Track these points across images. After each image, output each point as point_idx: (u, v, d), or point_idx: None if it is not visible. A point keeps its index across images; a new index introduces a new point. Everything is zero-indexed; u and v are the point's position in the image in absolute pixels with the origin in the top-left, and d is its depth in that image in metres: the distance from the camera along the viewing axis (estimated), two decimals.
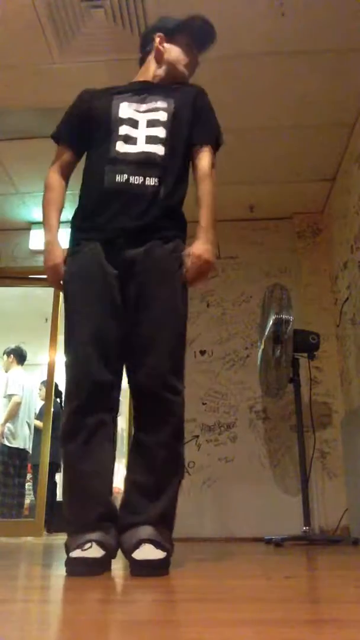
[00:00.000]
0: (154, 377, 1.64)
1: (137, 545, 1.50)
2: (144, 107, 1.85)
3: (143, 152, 1.77)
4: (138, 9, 2.76)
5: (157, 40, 1.97)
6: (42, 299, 4.72)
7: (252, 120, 3.53)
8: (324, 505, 3.75)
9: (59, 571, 1.78)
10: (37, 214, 4.56)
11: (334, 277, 4.14)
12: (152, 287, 1.70)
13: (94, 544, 1.49)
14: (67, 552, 1.55)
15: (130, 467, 1.71)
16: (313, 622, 0.85)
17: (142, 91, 1.90)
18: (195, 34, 1.99)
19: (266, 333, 3.63)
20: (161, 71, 1.97)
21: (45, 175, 2.00)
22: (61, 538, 4.59)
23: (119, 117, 1.82)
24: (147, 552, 1.48)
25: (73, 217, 1.85)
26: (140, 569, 1.46)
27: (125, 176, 1.75)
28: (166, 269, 1.73)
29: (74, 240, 1.79)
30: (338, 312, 4.03)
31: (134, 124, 1.82)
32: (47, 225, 1.86)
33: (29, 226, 4.68)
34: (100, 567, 1.49)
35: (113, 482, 1.66)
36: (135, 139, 1.79)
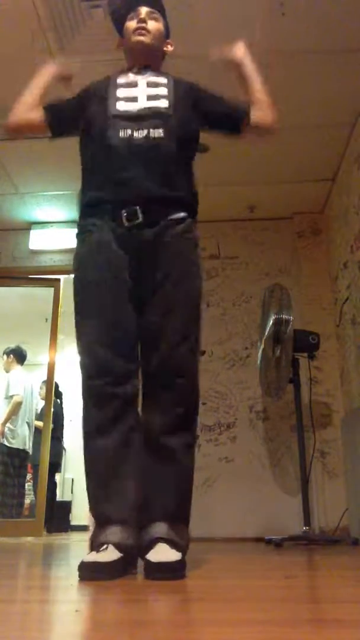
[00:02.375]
0: (167, 362, 1.60)
1: (151, 545, 1.47)
2: (142, 77, 1.82)
3: (145, 108, 1.72)
4: None
5: (116, 41, 2.00)
6: (42, 299, 4.72)
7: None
8: (324, 505, 3.75)
9: (59, 571, 1.78)
10: (37, 214, 4.56)
11: (334, 277, 4.14)
12: (166, 270, 1.64)
13: (110, 546, 1.45)
14: (90, 548, 1.52)
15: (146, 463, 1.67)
16: (313, 622, 0.85)
17: (148, 73, 1.87)
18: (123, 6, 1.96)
19: (266, 333, 3.63)
20: (128, 57, 1.95)
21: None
22: (61, 538, 4.60)
23: (117, 82, 1.80)
24: (162, 554, 1.43)
25: (79, 203, 1.81)
26: (154, 572, 1.39)
27: (129, 131, 1.68)
28: (179, 252, 1.67)
29: (82, 227, 1.75)
30: (338, 312, 4.03)
31: (132, 83, 1.79)
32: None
33: (29, 226, 4.68)
34: (115, 570, 1.42)
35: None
36: (136, 97, 1.75)
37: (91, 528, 1.61)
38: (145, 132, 1.68)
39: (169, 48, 2.00)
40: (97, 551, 1.45)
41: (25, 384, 5.43)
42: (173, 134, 1.71)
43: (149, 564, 1.42)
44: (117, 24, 1.97)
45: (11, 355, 5.53)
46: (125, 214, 1.65)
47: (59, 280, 4.58)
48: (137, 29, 1.86)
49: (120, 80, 1.82)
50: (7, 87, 3.27)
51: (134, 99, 1.75)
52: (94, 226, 1.70)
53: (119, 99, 1.75)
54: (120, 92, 1.77)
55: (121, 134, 1.68)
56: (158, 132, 1.68)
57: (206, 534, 3.72)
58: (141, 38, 1.86)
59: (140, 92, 1.76)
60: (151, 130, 1.68)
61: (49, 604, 1.09)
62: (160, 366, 1.61)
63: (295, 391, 3.54)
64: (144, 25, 1.86)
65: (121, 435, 1.58)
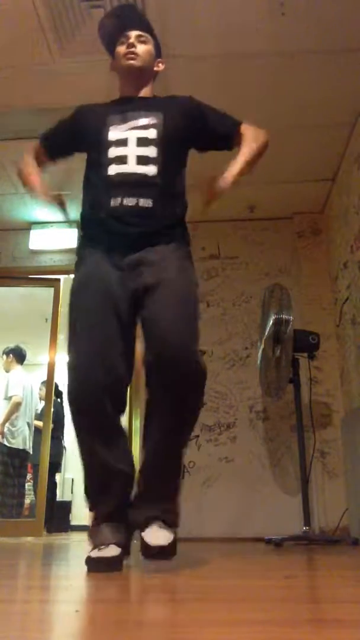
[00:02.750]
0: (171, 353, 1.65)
1: (147, 523, 1.62)
2: (130, 124, 1.88)
3: (134, 173, 1.82)
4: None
5: (110, 63, 2.08)
6: (42, 299, 4.72)
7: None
8: (324, 505, 3.75)
9: (59, 571, 1.79)
10: (37, 214, 4.56)
11: (334, 277, 4.14)
12: (160, 274, 1.75)
13: (111, 545, 1.59)
14: (89, 543, 1.67)
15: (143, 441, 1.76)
16: (313, 622, 0.85)
17: (139, 107, 1.94)
18: (114, 28, 2.03)
19: (266, 333, 3.63)
20: (120, 79, 2.04)
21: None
22: (61, 538, 4.60)
23: (109, 139, 1.86)
24: (157, 535, 1.58)
25: (79, 228, 1.97)
26: (151, 554, 1.57)
27: (119, 200, 1.79)
28: (171, 257, 1.82)
29: (79, 252, 1.88)
30: (338, 312, 4.03)
31: (123, 141, 1.85)
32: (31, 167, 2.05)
33: (29, 226, 4.68)
34: (118, 563, 1.59)
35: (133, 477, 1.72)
36: (126, 157, 1.83)
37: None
38: (134, 200, 1.79)
39: (160, 67, 2.08)
40: (99, 549, 1.59)
41: (24, 384, 5.43)
42: (162, 195, 1.84)
43: (145, 545, 1.58)
44: (109, 47, 2.04)
45: (11, 355, 5.53)
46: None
47: (59, 280, 4.58)
48: (126, 53, 1.95)
49: (113, 129, 1.87)
50: (7, 88, 3.28)
51: (124, 161, 1.82)
52: (90, 249, 1.84)
53: (110, 161, 1.83)
54: (112, 152, 1.84)
55: (112, 202, 1.79)
56: (147, 202, 1.79)
57: (206, 533, 3.72)
58: (131, 62, 1.95)
59: (130, 153, 1.83)
60: (140, 200, 1.79)
61: (49, 604, 1.09)
62: (165, 362, 1.65)
63: (295, 391, 3.54)
64: (133, 50, 1.95)
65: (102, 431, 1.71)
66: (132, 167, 1.83)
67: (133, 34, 1.96)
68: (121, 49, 1.96)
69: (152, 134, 1.87)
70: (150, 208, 1.79)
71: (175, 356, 1.62)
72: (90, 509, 1.73)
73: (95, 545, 1.62)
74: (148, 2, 2.73)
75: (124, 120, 1.89)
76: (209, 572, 1.63)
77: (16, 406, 5.26)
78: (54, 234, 4.60)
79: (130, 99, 1.98)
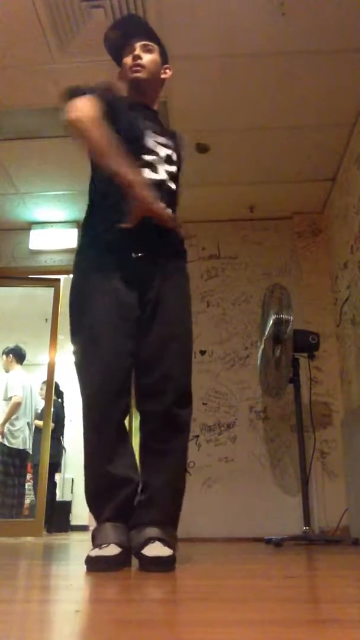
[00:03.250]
0: (167, 386, 1.79)
1: (146, 543, 1.58)
2: (161, 140, 1.92)
3: (165, 184, 1.86)
4: (138, 9, 2.75)
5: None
6: (42, 299, 4.72)
7: (252, 120, 3.53)
8: (324, 505, 3.75)
9: (59, 571, 1.79)
10: (37, 214, 4.56)
11: (334, 277, 4.14)
12: (168, 299, 1.82)
13: (112, 544, 1.58)
14: (92, 543, 1.65)
15: (142, 468, 1.77)
16: (313, 622, 0.85)
17: (155, 121, 1.97)
18: (119, 41, 2.02)
19: (266, 333, 3.63)
20: (128, 90, 2.02)
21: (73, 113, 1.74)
22: (61, 538, 4.60)
23: (145, 144, 1.86)
24: (156, 550, 1.56)
25: (90, 222, 1.86)
26: (149, 565, 1.53)
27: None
28: (179, 284, 1.89)
29: (94, 245, 1.81)
30: (338, 312, 4.03)
31: (154, 152, 1.87)
32: (112, 150, 1.70)
33: (29, 226, 4.68)
34: (118, 563, 1.57)
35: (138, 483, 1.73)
36: (157, 168, 1.85)
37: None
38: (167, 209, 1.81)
39: (167, 73, 2.07)
40: (100, 548, 1.59)
41: (24, 384, 5.43)
42: (175, 212, 1.90)
43: (143, 558, 1.55)
44: (116, 58, 2.04)
45: (10, 355, 5.53)
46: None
47: (59, 280, 4.58)
48: (132, 66, 1.95)
49: (147, 133, 1.88)
50: (7, 88, 3.28)
51: (155, 170, 1.85)
52: (107, 252, 1.80)
53: (145, 164, 1.83)
54: (146, 157, 1.84)
55: None
56: (173, 215, 1.86)
57: (206, 533, 3.72)
58: (137, 75, 1.95)
59: (160, 164, 1.86)
60: (168, 210, 1.82)
61: (49, 604, 1.09)
62: (161, 388, 1.78)
63: (295, 391, 3.54)
64: (139, 62, 1.95)
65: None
66: (162, 176, 1.86)
67: (138, 44, 1.97)
68: (127, 60, 1.96)
69: (174, 155, 1.93)
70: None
71: (178, 393, 1.82)
72: (95, 513, 1.72)
73: (96, 545, 1.61)
74: (148, 3, 2.73)
75: (153, 130, 1.92)
76: (209, 572, 1.63)
77: (16, 406, 5.26)
78: (54, 234, 4.60)
79: (147, 109, 1.99)
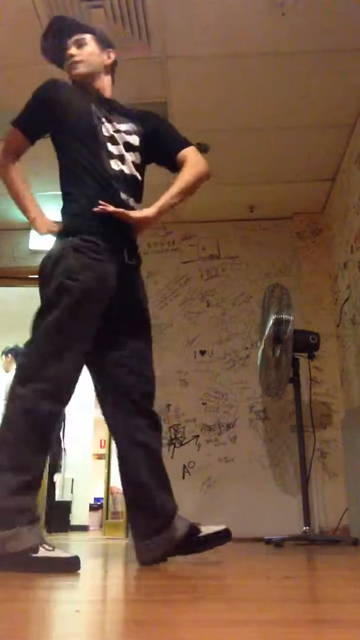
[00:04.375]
0: (144, 385, 1.84)
1: (195, 529, 1.77)
2: (122, 127, 1.92)
3: (132, 175, 1.89)
4: (138, 9, 2.75)
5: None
6: None
7: (252, 120, 3.52)
8: (324, 505, 3.75)
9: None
10: None
11: (334, 277, 4.14)
12: (137, 300, 1.89)
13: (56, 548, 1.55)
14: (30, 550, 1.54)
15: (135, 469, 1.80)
16: (313, 622, 0.85)
17: (111, 110, 1.96)
18: (52, 42, 2.03)
19: (266, 333, 3.63)
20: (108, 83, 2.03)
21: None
22: (61, 538, 4.59)
23: (104, 134, 1.87)
24: (208, 528, 1.78)
25: (74, 213, 1.85)
26: (220, 539, 1.79)
27: (125, 196, 1.85)
28: (142, 284, 1.94)
29: (86, 239, 1.77)
30: (338, 312, 4.03)
31: (114, 141, 1.88)
32: (27, 201, 2.02)
33: (29, 226, 4.63)
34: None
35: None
36: (123, 157, 1.87)
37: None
38: (132, 201, 1.88)
39: (112, 57, 2.04)
40: (51, 549, 1.53)
41: None
42: (138, 197, 1.92)
43: (206, 538, 1.77)
44: (60, 65, 2.04)
45: (9, 355, 5.54)
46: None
47: None
48: (69, 65, 1.98)
49: (103, 123, 1.89)
50: (7, 88, 3.27)
51: (122, 160, 1.88)
52: (96, 247, 1.79)
53: (111, 155, 1.85)
54: (110, 147, 1.86)
55: (122, 196, 1.84)
56: (137, 206, 1.88)
57: None
58: (76, 72, 1.98)
59: (124, 153, 1.89)
60: (131, 201, 1.87)
61: (49, 604, 1.09)
62: (139, 388, 1.83)
63: (295, 391, 3.54)
64: (74, 59, 1.97)
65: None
66: (128, 167, 1.88)
67: (70, 42, 1.98)
68: (66, 62, 1.98)
69: (135, 140, 1.93)
70: (132, 207, 1.86)
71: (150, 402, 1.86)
72: None
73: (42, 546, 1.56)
74: (148, 3, 2.73)
75: (108, 119, 1.91)
76: (209, 572, 1.63)
77: None
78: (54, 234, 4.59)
79: (100, 99, 1.97)
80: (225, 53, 3.02)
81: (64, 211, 1.90)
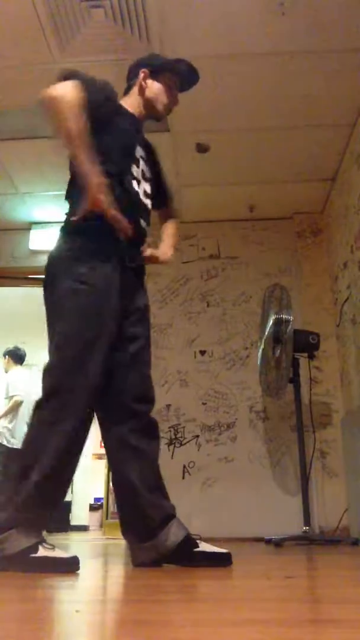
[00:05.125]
0: (140, 388, 1.84)
1: (191, 540, 1.75)
2: (143, 154, 1.99)
3: (145, 201, 1.95)
4: (138, 9, 2.75)
5: (142, 75, 2.02)
6: (42, 299, 4.70)
7: (252, 120, 3.52)
8: (324, 505, 3.75)
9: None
10: (37, 214, 4.56)
11: (334, 277, 4.14)
12: (142, 306, 1.91)
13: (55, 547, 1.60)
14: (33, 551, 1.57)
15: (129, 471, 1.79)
16: (313, 622, 0.85)
17: (142, 135, 2.04)
18: (180, 76, 2.05)
19: (266, 333, 3.63)
20: (142, 107, 2.03)
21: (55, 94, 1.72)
22: (61, 538, 4.59)
23: (136, 155, 1.94)
24: (208, 547, 1.75)
25: (86, 226, 1.77)
26: (218, 561, 1.71)
27: (140, 220, 1.89)
28: (143, 285, 1.97)
29: (94, 248, 1.78)
30: (338, 312, 4.03)
31: (138, 164, 1.95)
32: (82, 140, 1.66)
33: (29, 226, 4.68)
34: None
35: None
36: (140, 181, 1.94)
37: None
38: (145, 224, 1.94)
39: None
40: (52, 549, 1.58)
41: (25, 383, 5.42)
42: (148, 221, 1.97)
43: (203, 554, 1.72)
44: (161, 70, 2.03)
45: (7, 357, 5.54)
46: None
47: None
48: (170, 106, 2.05)
49: (138, 146, 1.97)
50: (7, 88, 3.27)
51: (139, 183, 1.93)
52: (105, 257, 1.81)
53: (134, 177, 1.91)
54: (134, 170, 1.92)
55: (140, 221, 1.90)
56: (144, 224, 1.94)
57: (206, 534, 3.71)
58: (163, 113, 2.05)
59: (141, 178, 1.95)
60: (141, 220, 1.92)
61: (49, 604, 1.09)
62: (141, 392, 1.85)
63: (295, 391, 3.54)
64: (175, 106, 2.10)
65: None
66: (142, 191, 1.93)
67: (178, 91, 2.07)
68: (169, 96, 2.02)
69: (148, 172, 1.99)
70: (144, 230, 1.93)
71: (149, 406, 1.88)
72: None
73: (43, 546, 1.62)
74: (148, 3, 2.73)
75: (139, 143, 1.98)
76: (209, 573, 1.63)
77: (16, 406, 5.26)
78: (54, 234, 4.58)
79: (140, 123, 2.03)
80: (225, 53, 3.02)
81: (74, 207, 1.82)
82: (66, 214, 1.89)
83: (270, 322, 3.58)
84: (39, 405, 1.69)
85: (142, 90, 2.01)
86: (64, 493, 1.76)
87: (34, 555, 1.52)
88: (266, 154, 3.83)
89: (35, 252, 4.62)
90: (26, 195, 4.33)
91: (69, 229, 1.83)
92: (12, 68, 3.12)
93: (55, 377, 1.70)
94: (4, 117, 3.49)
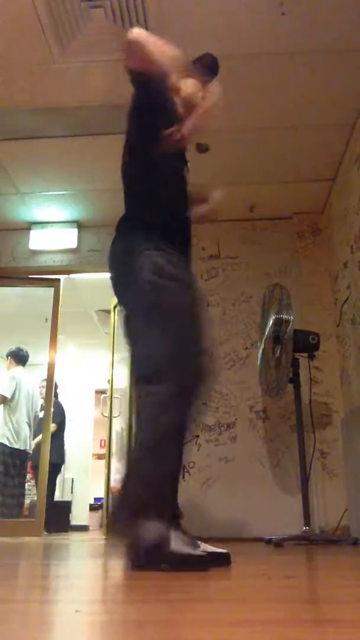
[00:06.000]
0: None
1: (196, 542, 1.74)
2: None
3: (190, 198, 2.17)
4: (138, 9, 2.76)
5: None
6: (42, 299, 4.72)
7: (252, 120, 3.53)
8: (324, 505, 3.75)
9: (59, 571, 1.78)
10: (37, 214, 4.56)
11: (334, 277, 4.14)
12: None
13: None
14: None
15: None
16: (313, 622, 0.85)
17: None
18: (209, 66, 2.24)
19: (266, 333, 3.63)
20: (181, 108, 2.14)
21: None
22: (61, 538, 4.59)
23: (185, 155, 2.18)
24: (208, 547, 1.75)
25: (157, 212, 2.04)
26: (218, 561, 1.69)
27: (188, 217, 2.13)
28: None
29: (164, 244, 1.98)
30: (338, 312, 4.03)
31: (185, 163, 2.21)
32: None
33: (29, 226, 4.68)
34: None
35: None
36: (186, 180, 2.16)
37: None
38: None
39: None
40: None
41: (18, 381, 5.43)
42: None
43: (217, 555, 1.72)
44: (203, 67, 2.22)
45: (9, 357, 5.56)
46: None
47: (59, 280, 4.58)
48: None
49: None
50: (7, 88, 3.27)
51: (186, 183, 2.21)
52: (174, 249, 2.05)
53: (184, 177, 2.21)
54: (185, 170, 2.23)
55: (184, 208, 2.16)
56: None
57: (206, 534, 3.72)
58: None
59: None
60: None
61: (49, 604, 1.09)
62: None
63: (295, 391, 3.54)
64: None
65: None
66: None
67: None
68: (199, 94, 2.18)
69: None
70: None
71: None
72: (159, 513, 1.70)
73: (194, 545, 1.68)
74: (148, 3, 2.73)
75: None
76: (208, 573, 1.63)
77: (1, 400, 5.32)
78: (54, 234, 4.60)
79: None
80: (225, 53, 3.01)
81: (146, 205, 2.03)
82: (140, 207, 2.03)
83: (270, 322, 3.58)
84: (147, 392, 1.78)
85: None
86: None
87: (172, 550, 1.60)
88: (266, 154, 3.83)
89: (35, 252, 4.62)
90: (26, 195, 4.33)
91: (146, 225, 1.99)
92: (12, 68, 3.12)
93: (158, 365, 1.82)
94: (4, 117, 3.49)
